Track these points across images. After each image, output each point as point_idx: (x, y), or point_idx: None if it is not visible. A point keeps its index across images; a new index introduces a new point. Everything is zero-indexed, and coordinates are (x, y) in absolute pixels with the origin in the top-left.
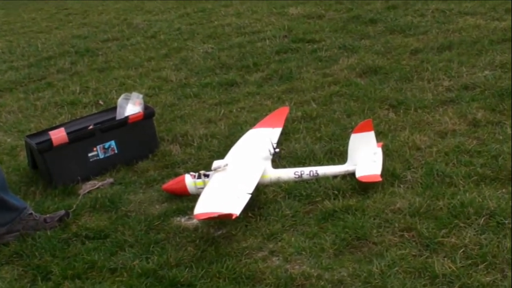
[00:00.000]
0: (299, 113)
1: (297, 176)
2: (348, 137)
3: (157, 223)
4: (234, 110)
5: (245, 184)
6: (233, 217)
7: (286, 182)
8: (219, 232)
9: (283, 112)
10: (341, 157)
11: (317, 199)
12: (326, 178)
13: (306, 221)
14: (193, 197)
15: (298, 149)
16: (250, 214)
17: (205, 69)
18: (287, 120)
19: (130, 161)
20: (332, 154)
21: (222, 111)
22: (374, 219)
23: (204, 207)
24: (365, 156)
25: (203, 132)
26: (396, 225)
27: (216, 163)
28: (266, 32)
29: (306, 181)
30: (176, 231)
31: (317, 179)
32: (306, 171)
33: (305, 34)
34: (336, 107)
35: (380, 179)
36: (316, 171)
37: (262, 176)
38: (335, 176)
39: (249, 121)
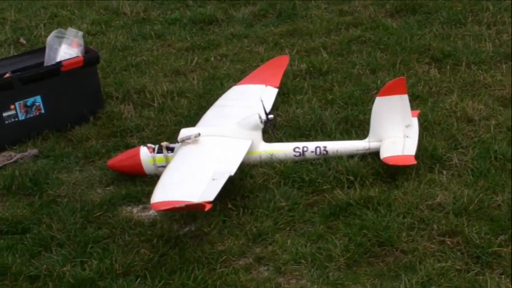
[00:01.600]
0: (304, 66)
1: (297, 153)
2: (372, 102)
3: (98, 213)
4: (212, 59)
5: (224, 162)
6: (206, 208)
7: (282, 162)
8: (186, 229)
9: (280, 63)
10: (361, 130)
11: (324, 187)
12: (338, 157)
13: (308, 217)
14: (151, 179)
15: (300, 116)
16: (230, 205)
17: None
18: (286, 75)
19: (62, 126)
20: (347, 125)
21: (195, 59)
22: (404, 217)
23: (165, 193)
24: (394, 129)
25: (168, 87)
26: (435, 227)
27: (184, 132)
28: None
29: (310, 161)
30: (125, 226)
31: (325, 158)
32: (311, 147)
33: None
34: (355, 59)
35: (415, 162)
36: (324, 147)
37: (249, 153)
38: (350, 156)
39: (233, 74)
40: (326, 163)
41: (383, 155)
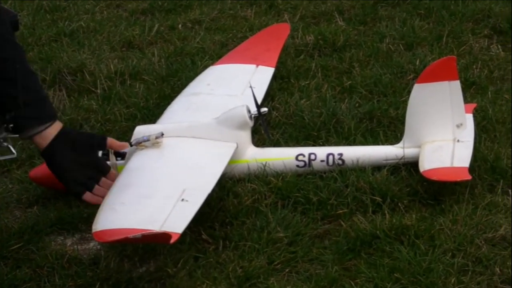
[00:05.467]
0: (311, 38)
1: (302, 163)
2: (408, 91)
3: (16, 246)
4: (180, 26)
5: (197, 175)
6: (171, 240)
7: (280, 175)
8: (142, 270)
9: (278, 34)
10: (391, 130)
11: (339, 211)
12: (359, 169)
13: (316, 254)
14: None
15: (305, 109)
16: (205, 236)
17: None
18: (285, 51)
19: None
20: (373, 123)
21: (156, 26)
22: (453, 256)
23: (113, 218)
24: (439, 130)
25: (116, 67)
26: (497, 270)
27: (140, 131)
28: None
29: (319, 173)
30: (55, 265)
31: (340, 170)
32: (321, 155)
33: None
34: (384, 29)
35: (469, 176)
36: (340, 155)
37: (233, 161)
38: (377, 167)
39: (209, 48)
40: (342, 177)
41: (424, 167)
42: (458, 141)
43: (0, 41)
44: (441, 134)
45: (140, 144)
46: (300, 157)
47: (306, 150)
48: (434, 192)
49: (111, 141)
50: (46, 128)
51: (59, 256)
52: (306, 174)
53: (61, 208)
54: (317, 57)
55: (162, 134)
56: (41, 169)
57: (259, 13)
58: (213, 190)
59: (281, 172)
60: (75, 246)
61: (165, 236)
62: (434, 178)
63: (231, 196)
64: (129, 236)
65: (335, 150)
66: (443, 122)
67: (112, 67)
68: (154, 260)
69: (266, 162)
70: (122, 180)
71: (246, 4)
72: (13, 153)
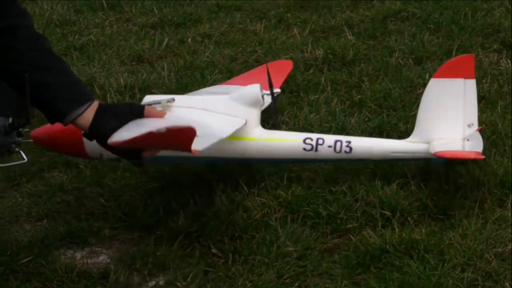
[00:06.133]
0: (320, 52)
1: (309, 146)
2: (417, 104)
3: (25, 260)
4: (190, 40)
5: (206, 130)
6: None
7: (286, 158)
8: (152, 283)
9: (282, 68)
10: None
11: (349, 226)
12: (369, 185)
13: (325, 268)
14: (102, 211)
15: (315, 123)
16: (214, 250)
17: None
18: (295, 65)
19: None
20: (382, 137)
21: (165, 40)
22: (463, 270)
23: (131, 130)
24: (449, 127)
25: (126, 80)
26: (507, 285)
27: (149, 98)
28: None
29: (324, 161)
30: (65, 278)
31: (350, 185)
32: (329, 141)
33: None
34: (394, 43)
35: (482, 156)
36: (348, 143)
37: (239, 137)
38: (383, 159)
39: (219, 62)
40: (351, 191)
41: (435, 149)
42: (468, 140)
43: (31, 33)
44: (451, 131)
45: (151, 106)
46: (308, 141)
47: (314, 136)
48: (444, 206)
49: (148, 109)
50: (86, 108)
51: (69, 270)
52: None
53: (70, 222)
54: (327, 71)
55: (173, 100)
56: (43, 130)
57: (269, 27)
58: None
59: (286, 154)
60: (85, 260)
61: (190, 131)
62: (447, 156)
63: (241, 210)
64: (153, 130)
65: (344, 138)
66: (454, 119)
67: (122, 81)
68: (163, 274)
69: (271, 142)
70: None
71: (255, 18)
72: (24, 159)
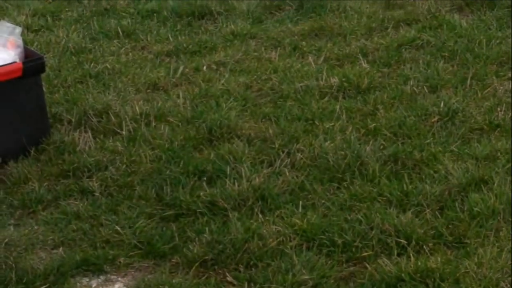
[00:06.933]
0: (335, 80)
1: None
2: (433, 133)
3: (41, 287)
4: (205, 68)
5: None
6: None
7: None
8: None
9: None
10: (416, 172)
11: (364, 254)
12: (384, 214)
13: None
14: (117, 238)
15: (330, 151)
16: (229, 278)
17: None
18: (310, 93)
19: None
20: (397, 165)
21: (181, 68)
22: None
23: None
24: None
25: (141, 108)
26: None
27: None
28: None
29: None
30: None
31: (365, 214)
32: None
33: None
34: (408, 71)
35: None
36: None
37: None
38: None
39: (234, 90)
40: (366, 219)
41: None
42: None
43: None
44: None
45: None
46: None
47: None
48: (459, 234)
49: None
50: None
51: None
52: (330, 215)
53: (86, 250)
54: (342, 99)
55: None
56: None
57: (283, 55)
58: None
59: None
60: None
61: None
62: None
63: (256, 238)
64: None
65: None
66: None
67: (137, 108)
68: None
69: None
70: None
71: (270, 46)
72: None
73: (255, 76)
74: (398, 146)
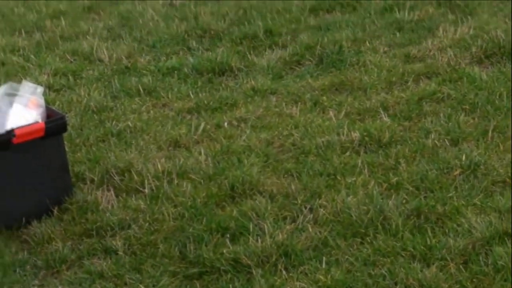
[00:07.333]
0: (356, 135)
1: None
2: (455, 187)
3: None
4: (226, 124)
5: None
6: None
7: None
8: None
9: None
10: (439, 226)
11: None
12: (408, 268)
13: None
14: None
15: (352, 206)
16: None
17: (169, 39)
18: (331, 147)
19: (14, 221)
20: (420, 219)
21: (202, 124)
22: None
23: None
24: None
25: (164, 166)
26: None
27: None
28: None
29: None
30: None
31: (389, 268)
32: None
33: None
34: (429, 124)
35: None
36: None
37: None
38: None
39: (255, 146)
40: (390, 274)
41: None
42: None
43: None
44: None
45: None
46: None
47: None
48: (486, 286)
49: None
50: None
51: None
52: (354, 271)
53: None
54: (363, 153)
55: None
56: None
57: (304, 110)
58: None
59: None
60: None
61: None
62: None
63: None
64: None
65: None
66: None
67: (159, 166)
68: None
69: None
70: None
71: (291, 101)
72: None
73: (276, 132)
74: (420, 200)
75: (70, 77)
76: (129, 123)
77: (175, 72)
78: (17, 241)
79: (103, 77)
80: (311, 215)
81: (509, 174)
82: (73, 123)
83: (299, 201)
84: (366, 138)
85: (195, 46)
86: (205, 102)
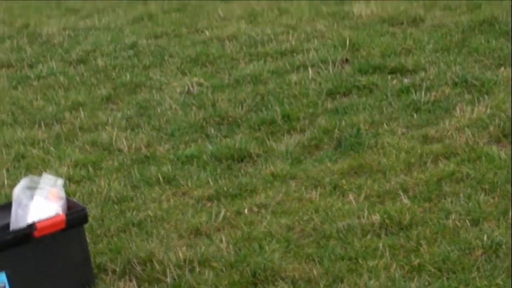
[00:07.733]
0: (377, 217)
1: None
2: (477, 267)
3: None
4: (246, 211)
5: None
6: None
7: None
8: None
9: None
10: None
11: None
12: None
13: None
14: None
15: None
16: None
17: (187, 127)
18: (352, 231)
19: None
20: None
21: (222, 212)
22: None
23: None
24: None
25: (185, 254)
26: None
27: None
28: (309, 53)
29: None
30: None
31: None
32: None
33: (384, 57)
34: (449, 205)
35: None
36: None
37: None
38: None
39: (277, 232)
40: None
41: None
42: None
43: None
44: None
45: None
46: None
47: None
48: None
49: None
50: None
51: None
52: None
53: None
54: (384, 236)
55: None
56: None
57: (324, 194)
58: None
59: None
60: None
61: None
62: None
63: None
64: None
65: None
66: None
67: (180, 255)
68: None
69: None
70: None
71: (310, 186)
72: None
73: (297, 217)
74: (443, 282)
75: (90, 168)
76: (150, 212)
77: (194, 160)
78: None
79: (123, 167)
80: None
81: None
82: (94, 214)
83: (322, 286)
84: (387, 221)
85: (213, 133)
86: (225, 189)
